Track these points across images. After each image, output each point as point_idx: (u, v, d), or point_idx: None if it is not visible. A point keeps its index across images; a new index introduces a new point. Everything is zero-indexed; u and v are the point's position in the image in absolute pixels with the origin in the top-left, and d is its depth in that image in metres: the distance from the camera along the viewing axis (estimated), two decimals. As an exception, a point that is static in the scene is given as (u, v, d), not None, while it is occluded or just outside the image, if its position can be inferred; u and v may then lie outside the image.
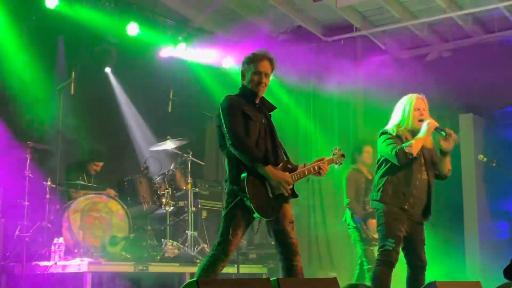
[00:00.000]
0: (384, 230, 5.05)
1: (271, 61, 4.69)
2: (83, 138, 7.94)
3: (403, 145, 5.02)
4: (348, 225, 7.32)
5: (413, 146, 5.00)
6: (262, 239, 9.19)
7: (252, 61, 4.66)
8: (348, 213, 7.32)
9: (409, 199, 5.07)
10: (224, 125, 4.49)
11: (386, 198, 5.08)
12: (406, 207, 5.05)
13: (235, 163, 4.49)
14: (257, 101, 4.71)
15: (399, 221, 5.03)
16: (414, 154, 5.00)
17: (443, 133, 5.09)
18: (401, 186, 5.07)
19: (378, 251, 5.12)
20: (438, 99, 6.49)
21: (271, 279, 3.69)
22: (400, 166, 5.07)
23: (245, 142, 4.45)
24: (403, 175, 5.09)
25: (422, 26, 9.56)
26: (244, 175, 4.40)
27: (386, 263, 5.01)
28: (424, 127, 5.10)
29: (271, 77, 4.73)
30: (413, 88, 5.35)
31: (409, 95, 5.25)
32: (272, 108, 4.80)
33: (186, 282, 3.35)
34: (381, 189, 5.12)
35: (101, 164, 8.05)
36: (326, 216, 9.83)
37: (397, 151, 5.00)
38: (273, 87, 9.40)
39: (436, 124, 5.13)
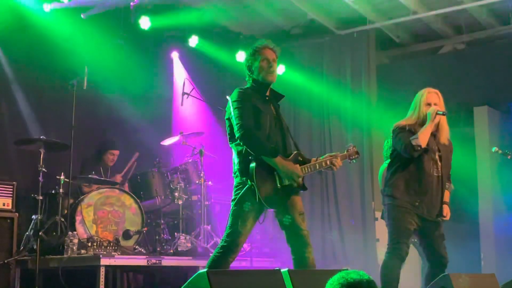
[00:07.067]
0: (394, 224, 5.05)
1: (273, 49, 4.71)
2: (96, 130, 7.89)
3: (411, 138, 4.98)
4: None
5: (420, 138, 4.97)
6: (276, 232, 9.16)
7: (256, 52, 4.68)
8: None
9: (419, 196, 5.03)
10: (233, 117, 4.47)
11: (397, 193, 5.06)
12: (416, 204, 5.02)
13: (244, 155, 4.47)
14: (267, 93, 4.69)
15: (409, 214, 5.01)
16: (423, 146, 4.97)
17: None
18: (412, 183, 5.05)
19: (388, 244, 5.07)
20: (452, 92, 6.44)
21: (281, 270, 3.67)
22: (412, 162, 5.05)
23: (254, 133, 4.43)
24: (414, 171, 5.07)
25: (436, 18, 9.49)
26: (252, 165, 4.38)
27: (396, 257, 4.98)
28: (427, 117, 5.05)
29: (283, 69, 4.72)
30: (427, 81, 5.29)
31: (423, 89, 5.21)
32: (280, 97, 4.78)
33: (196, 273, 3.33)
34: (392, 184, 5.11)
35: (117, 152, 8.04)
36: (340, 210, 9.78)
37: (406, 144, 4.98)
38: (285, 81, 9.34)
39: (436, 110, 5.05)
